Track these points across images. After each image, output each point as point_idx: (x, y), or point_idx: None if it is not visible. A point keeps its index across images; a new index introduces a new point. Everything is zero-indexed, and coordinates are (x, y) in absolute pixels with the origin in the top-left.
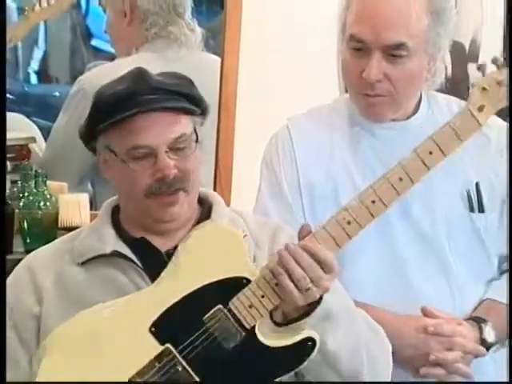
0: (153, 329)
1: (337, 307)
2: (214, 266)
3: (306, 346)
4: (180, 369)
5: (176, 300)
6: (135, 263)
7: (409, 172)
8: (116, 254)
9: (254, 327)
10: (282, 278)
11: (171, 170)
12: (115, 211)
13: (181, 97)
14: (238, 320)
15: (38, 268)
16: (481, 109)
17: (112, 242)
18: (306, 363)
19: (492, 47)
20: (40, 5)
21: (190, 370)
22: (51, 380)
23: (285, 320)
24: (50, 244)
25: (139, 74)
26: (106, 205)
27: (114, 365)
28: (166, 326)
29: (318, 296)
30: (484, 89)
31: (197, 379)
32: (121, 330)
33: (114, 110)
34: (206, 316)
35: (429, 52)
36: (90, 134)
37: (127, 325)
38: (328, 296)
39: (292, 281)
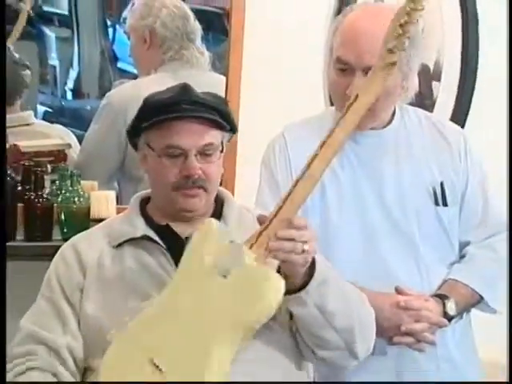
0: None
1: (329, 274)
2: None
3: None
4: None
5: None
6: (160, 245)
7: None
8: (145, 238)
9: None
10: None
11: (196, 171)
12: (143, 203)
13: (215, 111)
14: None
15: (82, 249)
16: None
17: (141, 228)
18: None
19: (452, 68)
20: None
21: None
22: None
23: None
24: (90, 230)
25: (184, 88)
26: (136, 197)
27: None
28: None
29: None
30: None
31: None
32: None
33: (158, 112)
34: None
35: (402, 71)
36: (135, 131)
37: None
38: (321, 265)
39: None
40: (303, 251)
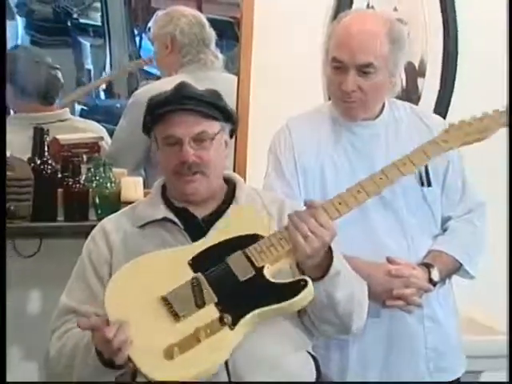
0: (190, 262)
1: (341, 266)
2: (243, 229)
3: (300, 284)
4: (204, 290)
5: (210, 245)
6: (179, 226)
7: (387, 174)
8: (165, 219)
9: (262, 268)
10: (291, 229)
11: (190, 157)
12: (164, 188)
13: (208, 105)
14: (250, 260)
15: (109, 229)
16: (445, 142)
17: (162, 211)
18: (297, 298)
19: (434, 64)
20: None
21: (211, 290)
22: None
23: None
24: (117, 213)
25: (180, 85)
26: (157, 184)
27: (158, 285)
28: (200, 261)
29: (318, 245)
30: (447, 131)
31: (215, 298)
32: (168, 263)
33: (157, 108)
34: (228, 257)
35: (390, 69)
36: (146, 127)
37: (174, 260)
38: (337, 258)
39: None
40: (307, 236)
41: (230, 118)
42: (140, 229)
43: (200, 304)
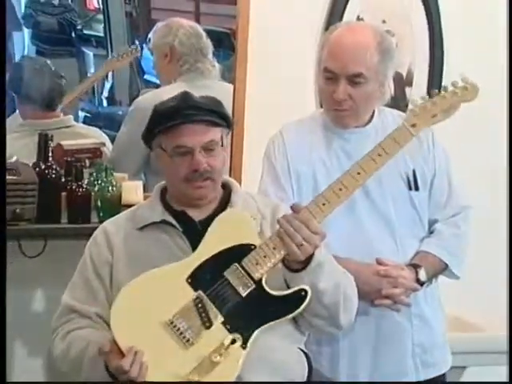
0: (189, 280)
1: (324, 258)
2: (232, 238)
3: (301, 295)
4: (209, 309)
5: (205, 259)
6: (177, 228)
7: (364, 168)
8: (163, 222)
9: (261, 280)
10: (286, 240)
11: (202, 165)
12: (163, 192)
13: (212, 113)
14: (247, 273)
15: (110, 231)
16: (413, 126)
17: (161, 213)
18: (301, 309)
19: (421, 75)
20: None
21: (215, 309)
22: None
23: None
24: (118, 215)
25: (184, 95)
26: (157, 188)
27: (161, 307)
28: (198, 278)
29: (311, 251)
30: (414, 114)
31: (221, 318)
32: (167, 283)
33: (166, 119)
34: (226, 271)
35: (379, 79)
36: (148, 136)
37: (172, 279)
38: (318, 250)
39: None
40: (301, 245)
41: (229, 124)
42: (140, 231)
43: (208, 325)
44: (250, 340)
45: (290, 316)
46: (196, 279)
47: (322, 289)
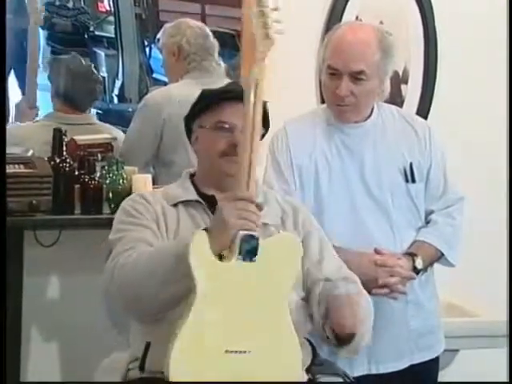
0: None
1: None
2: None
3: None
4: None
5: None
6: (207, 209)
7: None
8: (197, 202)
9: None
10: None
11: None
12: (191, 177)
13: None
14: None
15: (149, 199)
16: None
17: (194, 194)
18: None
19: (416, 73)
20: None
21: None
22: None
23: None
24: (150, 191)
25: (232, 82)
26: (185, 172)
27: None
28: None
29: None
30: None
31: None
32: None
33: (212, 98)
34: None
35: (380, 76)
36: (191, 116)
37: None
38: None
39: None
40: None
41: (267, 124)
42: (172, 207)
43: None
44: None
45: None
46: None
47: None
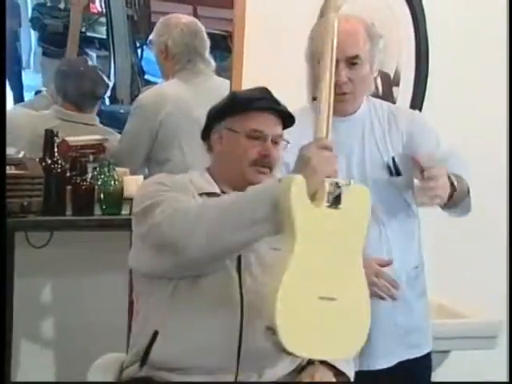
0: None
1: None
2: None
3: None
4: None
5: None
6: None
7: None
8: (219, 194)
9: None
10: None
11: (272, 153)
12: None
13: (285, 112)
14: None
15: (169, 184)
16: None
17: (216, 187)
18: None
19: (408, 75)
20: None
21: None
22: None
23: None
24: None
25: (264, 89)
26: (202, 168)
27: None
28: None
29: None
30: None
31: None
32: None
33: (247, 103)
34: None
35: (370, 63)
36: (218, 117)
37: None
38: None
39: None
40: None
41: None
42: (199, 196)
43: None
44: None
45: None
46: None
47: None
